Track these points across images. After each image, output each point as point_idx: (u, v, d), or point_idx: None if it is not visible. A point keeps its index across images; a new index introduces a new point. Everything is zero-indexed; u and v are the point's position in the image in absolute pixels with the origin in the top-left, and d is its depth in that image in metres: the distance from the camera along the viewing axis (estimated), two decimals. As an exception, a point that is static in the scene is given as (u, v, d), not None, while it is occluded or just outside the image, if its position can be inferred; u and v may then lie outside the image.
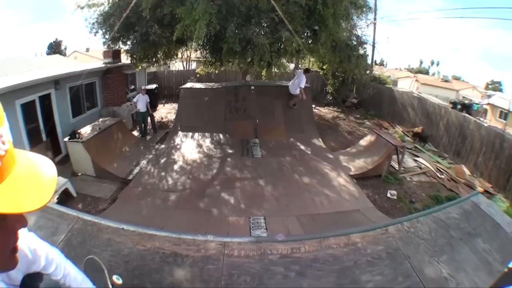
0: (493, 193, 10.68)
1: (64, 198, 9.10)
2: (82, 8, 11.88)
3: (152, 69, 22.27)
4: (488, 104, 30.63)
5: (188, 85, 18.59)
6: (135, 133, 15.50)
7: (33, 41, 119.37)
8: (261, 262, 2.95)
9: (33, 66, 16.52)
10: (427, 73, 73.53)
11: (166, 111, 21.07)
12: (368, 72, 22.80)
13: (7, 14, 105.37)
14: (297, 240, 3.22)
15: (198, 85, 18.28)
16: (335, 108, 22.42)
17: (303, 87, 14.60)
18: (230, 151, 13.39)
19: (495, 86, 64.37)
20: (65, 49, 58.35)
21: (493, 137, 11.56)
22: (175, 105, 20.78)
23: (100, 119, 13.09)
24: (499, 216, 3.24)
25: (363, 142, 13.30)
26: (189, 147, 13.61)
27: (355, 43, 15.34)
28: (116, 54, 16.58)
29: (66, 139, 10.80)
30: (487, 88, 57.60)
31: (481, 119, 17.56)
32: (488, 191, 10.77)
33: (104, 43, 12.95)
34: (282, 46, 11.98)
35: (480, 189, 10.75)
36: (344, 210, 8.89)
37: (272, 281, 2.80)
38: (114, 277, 2.43)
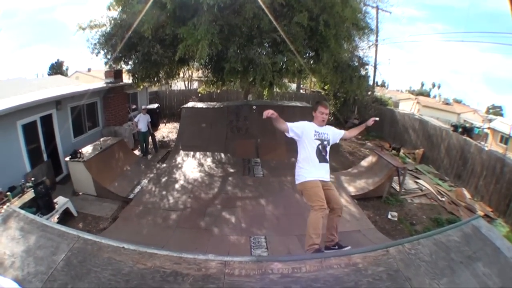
0: (493, 217, 10.62)
1: (65, 217, 9.09)
2: (84, 29, 11.93)
3: (154, 88, 22.37)
4: (489, 128, 30.64)
5: (190, 104, 18.60)
6: (137, 152, 15.51)
7: (34, 62, 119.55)
8: (261, 281, 2.94)
9: (34, 87, 16.60)
10: (428, 95, 73.49)
11: (167, 130, 21.15)
12: (369, 93, 22.92)
13: (6, 37, 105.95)
14: (298, 260, 3.22)
15: (199, 105, 18.35)
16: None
17: None
18: (231, 170, 13.40)
19: (496, 111, 64.45)
20: (67, 69, 58.47)
21: (494, 161, 11.55)
22: (176, 124, 20.90)
23: (102, 139, 13.11)
24: (499, 240, 3.23)
25: (364, 162, 13.30)
26: (191, 166, 13.63)
27: (356, 64, 15.42)
28: (117, 74, 16.69)
29: (67, 158, 10.79)
30: (488, 112, 57.61)
31: (482, 143, 17.58)
32: (488, 215, 10.72)
33: (105, 63, 12.95)
34: (284, 66, 12.02)
35: (480, 213, 10.72)
36: (345, 230, 8.79)
37: (272, 301, 2.80)
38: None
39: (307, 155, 5.33)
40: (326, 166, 5.41)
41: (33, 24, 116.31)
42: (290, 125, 5.27)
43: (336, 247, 5.48)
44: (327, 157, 5.43)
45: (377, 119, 6.03)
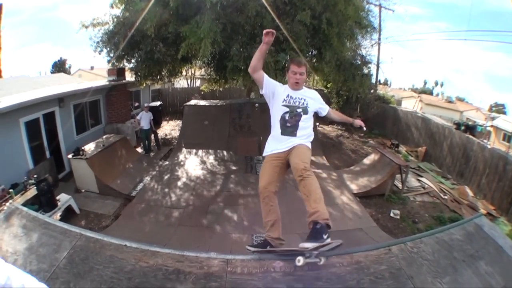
0: (496, 215, 10.62)
1: (67, 215, 9.11)
2: (86, 27, 11.97)
3: (157, 86, 22.36)
4: (492, 126, 30.55)
5: (192, 102, 18.72)
6: (139, 149, 15.54)
7: (37, 61, 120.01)
8: (264, 279, 2.94)
9: (37, 84, 16.62)
10: (431, 93, 73.17)
11: (170, 128, 21.17)
12: (372, 91, 22.83)
13: (9, 35, 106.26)
14: (300, 258, 3.21)
15: (202, 102, 18.42)
16: (339, 127, 22.43)
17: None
18: (233, 168, 13.41)
19: (499, 109, 64.16)
20: (70, 67, 58.37)
21: (496, 159, 11.54)
22: (179, 122, 20.90)
23: (104, 136, 13.18)
24: (502, 239, 3.22)
25: (367, 160, 13.30)
26: (193, 164, 13.65)
27: (359, 62, 15.39)
28: (120, 72, 16.75)
29: (69, 156, 10.84)
30: (491, 110, 57.31)
31: (485, 141, 17.55)
32: (491, 213, 10.72)
33: (108, 61, 12.98)
34: (286, 64, 12.01)
35: (483, 211, 10.71)
36: (347, 229, 8.82)
37: (274, 300, 2.80)
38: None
39: (272, 124, 4.28)
40: (292, 141, 4.05)
41: (36, 23, 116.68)
42: (266, 77, 4.18)
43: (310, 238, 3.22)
44: (297, 129, 4.11)
45: (364, 128, 5.31)
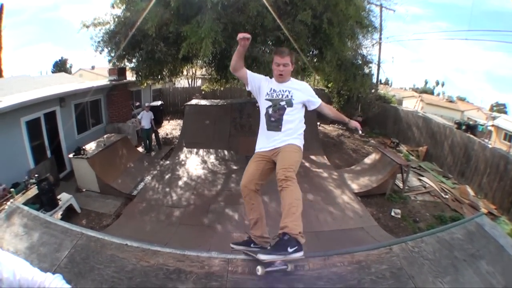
0: (497, 215, 10.60)
1: (68, 214, 9.12)
2: (87, 27, 11.92)
3: (158, 86, 22.35)
4: (493, 125, 30.48)
5: (193, 101, 18.72)
6: (140, 149, 15.53)
7: (38, 60, 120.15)
8: (265, 279, 2.94)
9: (38, 84, 16.62)
10: (432, 93, 73.07)
11: (171, 128, 21.16)
12: (373, 91, 22.81)
13: (11, 35, 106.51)
14: (301, 258, 3.20)
15: (203, 102, 18.41)
16: (340, 126, 22.34)
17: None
18: (234, 167, 13.42)
19: (500, 108, 64.02)
20: (71, 67, 58.20)
21: (497, 159, 11.52)
22: (180, 122, 20.92)
23: (105, 136, 13.21)
24: (503, 238, 3.20)
25: (368, 160, 13.30)
26: (194, 163, 13.65)
27: (360, 62, 15.36)
28: (121, 72, 16.75)
29: (70, 155, 10.88)
30: (492, 110, 57.20)
31: (486, 140, 17.53)
32: (492, 212, 10.69)
33: (109, 61, 12.94)
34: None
35: (484, 210, 10.70)
36: (348, 228, 8.83)
37: (276, 299, 2.80)
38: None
39: (260, 119, 4.07)
40: (278, 138, 3.88)
41: (37, 23, 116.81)
42: (249, 73, 4.08)
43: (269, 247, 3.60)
44: (281, 124, 3.89)
45: (360, 132, 4.92)
